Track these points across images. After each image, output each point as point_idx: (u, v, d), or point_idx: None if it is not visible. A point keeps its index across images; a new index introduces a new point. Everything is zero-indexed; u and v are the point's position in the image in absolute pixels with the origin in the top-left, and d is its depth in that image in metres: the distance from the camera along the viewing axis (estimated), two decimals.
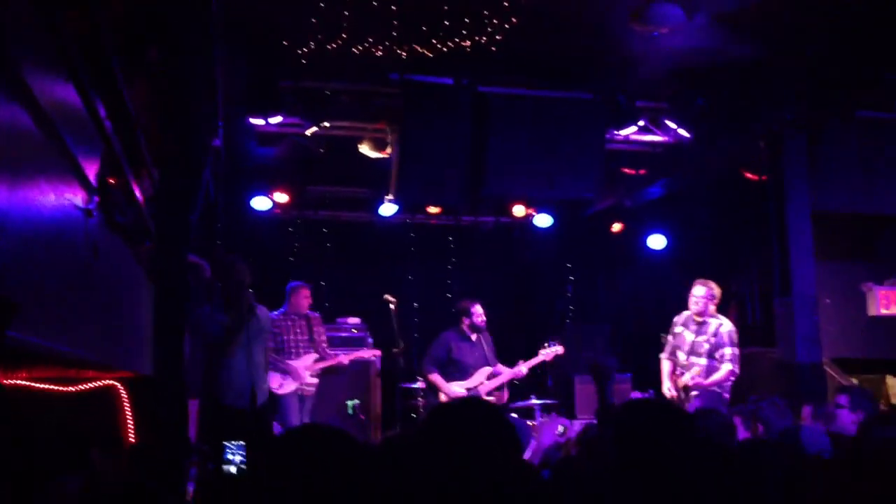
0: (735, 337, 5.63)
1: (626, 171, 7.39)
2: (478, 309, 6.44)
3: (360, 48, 5.46)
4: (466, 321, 6.43)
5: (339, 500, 1.60)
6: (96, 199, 2.28)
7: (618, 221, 8.57)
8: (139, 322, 3.26)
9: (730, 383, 5.65)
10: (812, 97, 5.96)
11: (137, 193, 2.97)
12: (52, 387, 3.00)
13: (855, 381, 6.25)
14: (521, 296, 9.00)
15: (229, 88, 5.08)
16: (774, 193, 6.16)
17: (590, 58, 5.82)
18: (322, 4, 4.90)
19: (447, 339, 6.38)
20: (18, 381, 2.82)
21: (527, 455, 3.25)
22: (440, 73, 5.91)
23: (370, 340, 7.20)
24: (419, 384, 6.75)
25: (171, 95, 3.13)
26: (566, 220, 8.57)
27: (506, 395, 6.57)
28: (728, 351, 5.56)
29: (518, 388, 7.60)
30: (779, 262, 6.06)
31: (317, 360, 6.27)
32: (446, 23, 5.18)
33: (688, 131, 6.59)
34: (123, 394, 3.24)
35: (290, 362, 6.13)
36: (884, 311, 6.54)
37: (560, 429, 3.83)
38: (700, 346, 5.64)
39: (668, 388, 5.79)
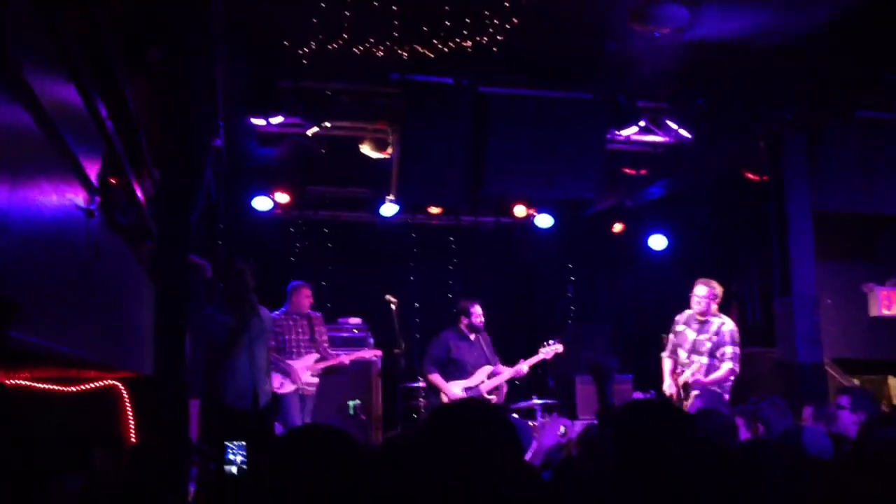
0: (737, 336, 5.63)
1: (627, 171, 7.39)
2: (477, 309, 6.45)
3: (361, 48, 5.46)
4: (465, 321, 6.44)
5: (341, 501, 1.60)
6: (97, 199, 2.29)
7: (619, 222, 8.57)
8: (140, 322, 3.26)
9: (730, 383, 5.64)
10: (812, 97, 5.96)
11: (139, 193, 2.97)
12: (53, 387, 3.00)
13: (856, 381, 6.25)
14: (522, 296, 9.00)
15: (230, 88, 5.08)
16: (775, 193, 6.16)
17: (590, 58, 5.82)
18: (323, 5, 4.90)
19: (446, 339, 6.39)
20: (20, 382, 2.82)
21: (528, 456, 3.25)
22: (441, 74, 5.91)
23: (371, 341, 7.20)
24: (420, 384, 6.76)
25: (172, 95, 3.13)
26: (567, 220, 8.57)
27: (504, 392, 6.57)
28: (729, 350, 5.56)
29: (519, 389, 7.60)
30: (779, 262, 6.06)
31: (318, 360, 6.27)
32: (447, 23, 5.18)
33: (688, 131, 6.59)
34: (124, 394, 3.24)
35: (290, 362, 6.13)
36: (885, 312, 6.53)
37: (561, 429, 3.83)
38: (702, 344, 5.64)
39: (668, 386, 5.79)
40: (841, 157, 6.24)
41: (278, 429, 5.57)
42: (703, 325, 5.68)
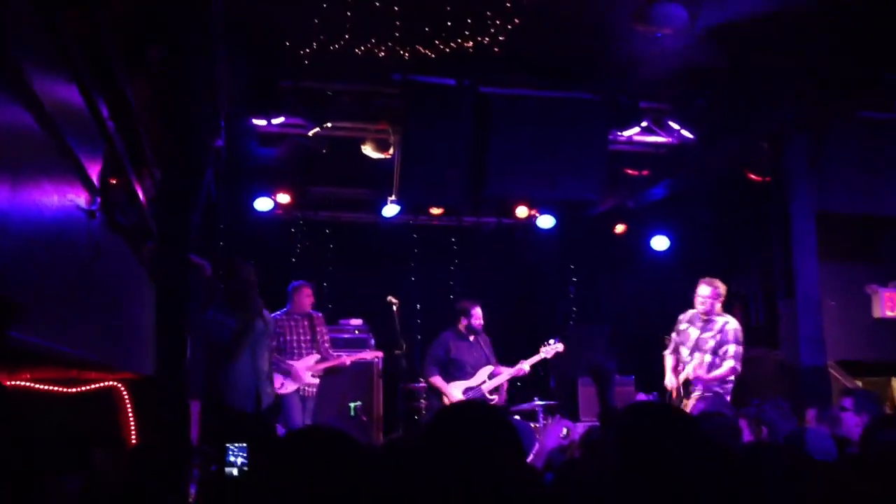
0: (740, 335, 5.62)
1: (629, 172, 7.38)
2: (478, 311, 6.46)
3: (363, 49, 5.46)
4: (464, 321, 6.44)
5: (342, 502, 1.59)
6: (98, 199, 2.28)
7: (621, 222, 8.56)
8: (141, 323, 3.26)
9: (731, 384, 5.63)
10: (814, 97, 5.95)
11: (139, 194, 2.96)
12: (54, 387, 3.00)
13: (859, 383, 6.24)
14: (524, 297, 8.99)
15: (231, 89, 5.08)
16: (777, 194, 6.14)
17: (592, 58, 5.81)
18: (324, 5, 4.89)
19: (445, 340, 6.40)
20: (21, 382, 2.81)
21: (530, 458, 3.24)
22: (442, 74, 5.90)
23: (372, 342, 7.19)
24: (421, 385, 6.75)
25: (172, 95, 3.13)
26: (569, 221, 8.56)
27: (504, 392, 6.57)
28: (732, 348, 5.55)
29: (521, 390, 7.60)
30: (782, 264, 6.04)
31: (319, 361, 6.26)
32: (449, 23, 5.17)
33: (691, 132, 6.58)
34: (125, 395, 3.23)
35: (291, 363, 6.12)
36: (889, 314, 6.52)
37: (564, 431, 3.82)
38: (705, 342, 5.63)
39: (669, 381, 5.78)
40: (843, 157, 6.22)
41: (279, 430, 5.56)
42: (707, 323, 5.67)
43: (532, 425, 6.28)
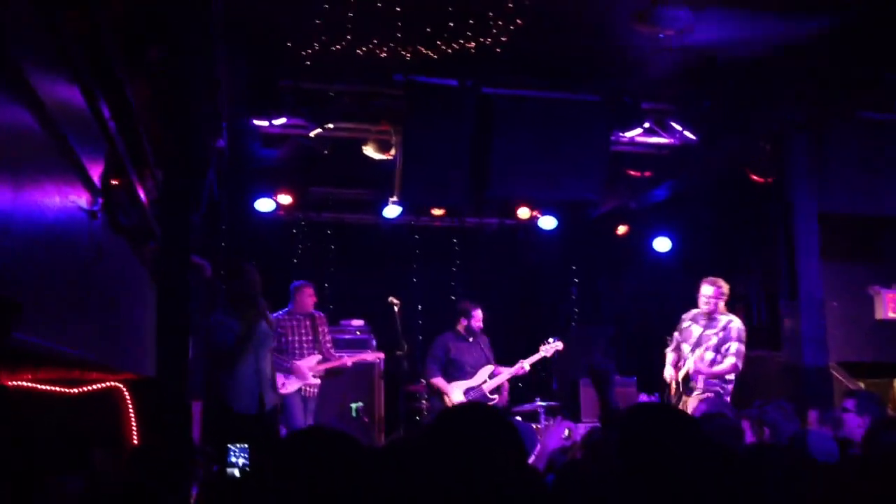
0: (743, 335, 5.61)
1: (632, 173, 7.37)
2: (478, 313, 6.47)
3: (365, 49, 5.46)
4: (464, 322, 6.45)
5: (343, 503, 1.59)
6: (100, 200, 2.28)
7: (623, 223, 8.55)
8: (143, 324, 3.26)
9: (731, 384, 5.62)
10: (816, 98, 5.94)
11: (141, 194, 2.96)
12: (56, 388, 3.00)
13: (861, 384, 6.22)
14: (526, 298, 8.99)
15: (233, 90, 5.08)
16: (780, 195, 6.14)
17: (594, 59, 5.81)
18: (326, 5, 4.90)
19: (445, 340, 6.42)
20: (22, 383, 2.82)
21: (531, 459, 3.24)
22: (444, 75, 5.90)
23: (374, 343, 7.19)
24: (423, 386, 6.74)
25: (172, 95, 3.13)
26: (571, 222, 8.56)
27: (506, 394, 6.57)
28: (734, 346, 5.55)
29: (523, 391, 7.60)
30: (785, 264, 6.03)
31: (320, 361, 6.25)
32: (451, 24, 5.17)
33: (693, 133, 6.57)
34: (127, 395, 3.23)
35: (295, 361, 6.12)
36: (891, 315, 6.51)
37: (565, 432, 3.81)
38: (708, 338, 5.63)
39: (668, 375, 5.77)
40: (845, 158, 6.21)
41: (281, 431, 5.55)
42: (710, 321, 5.67)
43: (534, 426, 6.28)
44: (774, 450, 2.87)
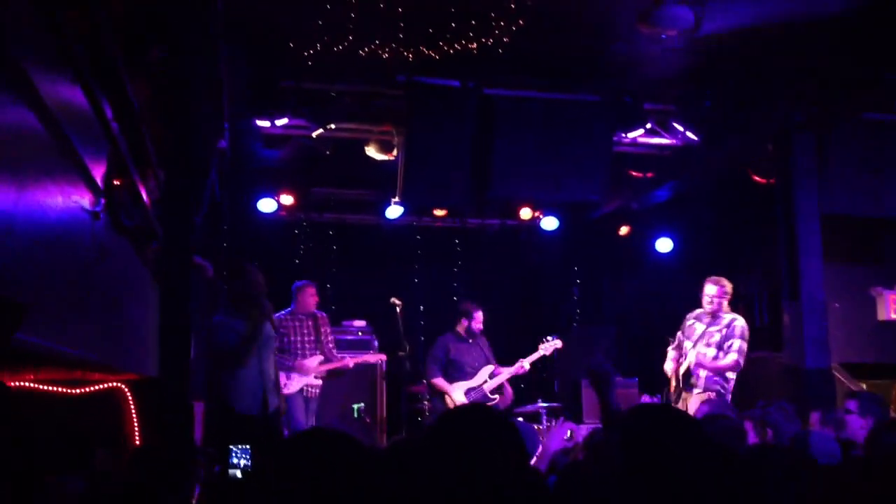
0: (746, 333, 5.61)
1: (634, 173, 7.37)
2: (479, 314, 6.48)
3: (367, 50, 5.46)
4: (465, 323, 6.46)
5: None
6: (103, 201, 2.28)
7: (625, 224, 8.55)
8: (146, 324, 3.26)
9: (732, 383, 5.62)
10: (819, 99, 5.93)
11: (143, 195, 2.96)
12: (58, 388, 3.00)
13: (864, 386, 6.21)
14: (528, 298, 8.99)
15: (235, 90, 5.08)
16: (782, 195, 6.13)
17: (597, 60, 5.81)
18: (328, 6, 4.90)
19: (445, 341, 6.43)
20: (25, 383, 2.82)
21: (533, 460, 3.23)
22: (446, 76, 5.90)
23: (376, 343, 7.19)
24: (424, 387, 6.74)
25: (173, 96, 3.13)
26: (573, 222, 8.56)
27: (510, 394, 6.57)
28: (737, 343, 5.55)
29: (524, 392, 7.60)
30: (787, 265, 6.03)
31: (322, 362, 6.25)
32: (453, 25, 5.17)
33: (695, 133, 6.57)
34: (129, 396, 3.23)
35: (298, 360, 6.12)
36: (893, 316, 6.50)
37: (567, 433, 3.81)
38: (711, 335, 5.63)
39: (669, 369, 5.77)
40: (848, 159, 6.20)
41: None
42: (714, 319, 5.67)
43: (535, 427, 6.28)
44: (776, 451, 2.87)
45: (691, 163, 6.93)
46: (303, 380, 6.14)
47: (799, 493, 2.54)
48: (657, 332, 7.04)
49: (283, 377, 5.95)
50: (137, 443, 3.20)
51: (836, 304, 6.48)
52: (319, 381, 6.24)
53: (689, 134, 6.62)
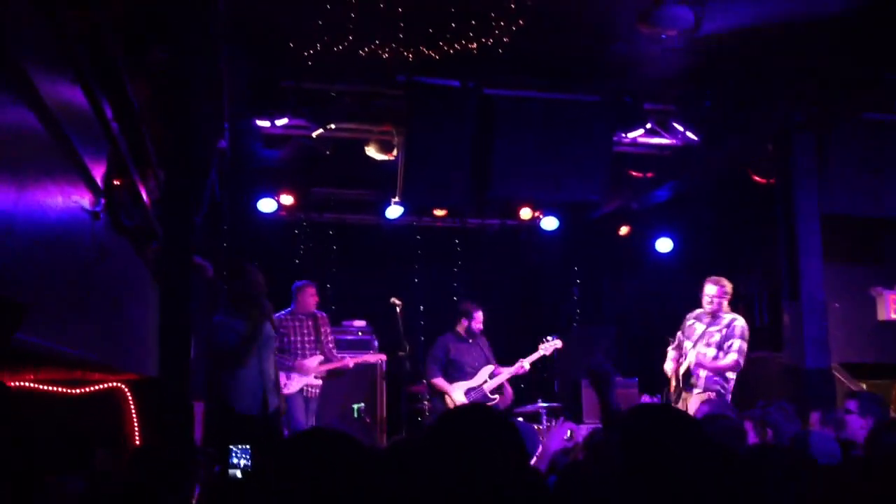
0: (747, 333, 5.61)
1: (634, 173, 7.37)
2: (479, 314, 6.48)
3: (367, 50, 5.46)
4: (465, 323, 6.46)
5: None
6: (103, 201, 2.28)
7: (625, 224, 8.55)
8: (146, 324, 3.26)
9: (732, 383, 5.61)
10: (820, 99, 5.93)
11: (144, 195, 2.96)
12: (58, 388, 3.00)
13: (864, 386, 6.21)
14: (528, 298, 8.99)
15: (235, 90, 5.08)
16: (782, 195, 6.13)
17: (597, 60, 5.81)
18: (328, 6, 4.90)
19: (445, 341, 6.43)
20: (25, 383, 2.82)
21: (533, 460, 3.23)
22: (446, 76, 5.90)
23: (376, 344, 7.19)
24: (424, 387, 6.74)
25: (173, 96, 3.13)
26: (573, 223, 8.55)
27: (510, 395, 6.57)
28: (737, 343, 5.55)
29: (525, 392, 7.60)
30: (787, 265, 6.03)
31: (322, 362, 6.24)
32: (453, 25, 5.17)
33: (695, 133, 6.57)
34: (129, 396, 3.23)
35: (298, 360, 6.11)
36: (893, 316, 6.50)
37: (568, 433, 3.81)
38: (711, 335, 5.63)
39: (669, 369, 5.77)
40: (849, 159, 6.20)
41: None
42: (714, 319, 5.67)
43: (535, 427, 6.28)
44: (776, 451, 2.87)
45: (691, 163, 6.93)
46: (303, 380, 6.13)
47: (799, 494, 2.54)
48: (657, 333, 7.04)
49: (283, 377, 5.94)
50: (137, 443, 3.20)
51: (837, 304, 6.48)
52: (319, 382, 6.24)
53: (689, 134, 6.62)
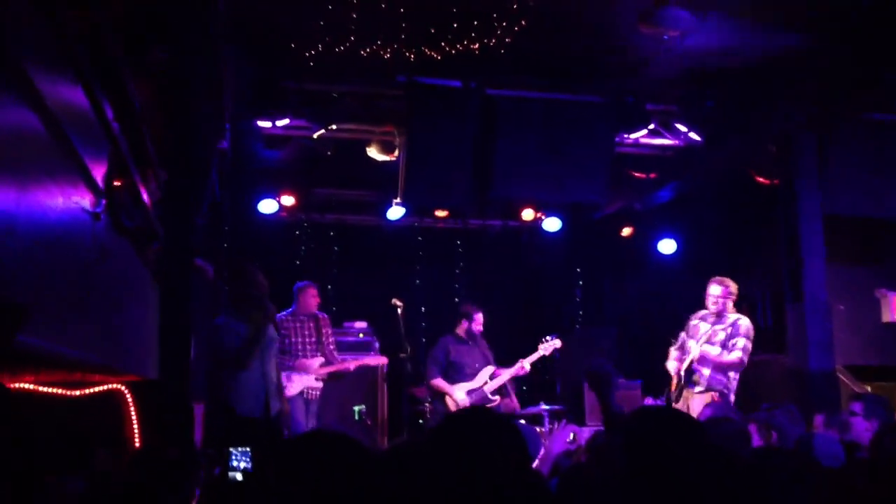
0: (751, 333, 5.59)
1: (636, 174, 7.35)
2: (479, 316, 6.48)
3: (368, 50, 5.45)
4: (465, 324, 6.46)
5: None
6: (104, 202, 2.27)
7: (627, 225, 8.53)
8: (146, 325, 3.25)
9: (735, 383, 5.60)
10: (822, 99, 5.92)
11: (144, 196, 2.96)
12: (58, 390, 2.99)
13: (868, 388, 6.19)
14: (530, 300, 8.97)
15: (236, 90, 5.08)
16: (785, 196, 6.11)
17: (599, 60, 5.80)
18: (329, 6, 4.89)
19: (445, 343, 6.43)
20: (25, 385, 2.81)
21: (536, 462, 3.22)
22: (448, 76, 5.89)
23: (377, 345, 7.17)
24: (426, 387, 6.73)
25: (173, 96, 3.13)
26: (575, 223, 8.54)
27: (515, 404, 6.57)
28: (741, 341, 5.53)
29: (527, 395, 7.58)
30: (790, 266, 6.01)
31: (323, 364, 6.23)
32: (454, 25, 5.16)
33: (698, 134, 6.55)
34: (129, 397, 3.22)
35: (300, 359, 6.10)
36: None
37: (570, 436, 3.79)
38: (715, 333, 5.62)
39: (672, 368, 5.75)
40: (851, 159, 6.18)
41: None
42: (719, 319, 5.66)
43: (538, 429, 6.26)
44: (779, 453, 2.85)
45: (694, 164, 6.92)
46: (303, 382, 6.12)
47: (802, 496, 2.53)
48: (659, 334, 7.02)
49: (283, 378, 5.93)
50: (138, 445, 3.19)
51: (841, 306, 6.46)
52: (320, 384, 6.23)
53: (691, 134, 6.60)
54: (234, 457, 3.31)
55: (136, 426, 3.20)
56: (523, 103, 6.12)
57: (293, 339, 6.16)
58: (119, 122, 2.45)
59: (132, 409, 3.22)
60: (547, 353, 6.61)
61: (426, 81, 5.89)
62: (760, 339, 6.11)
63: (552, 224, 8.40)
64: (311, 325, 6.26)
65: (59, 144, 1.83)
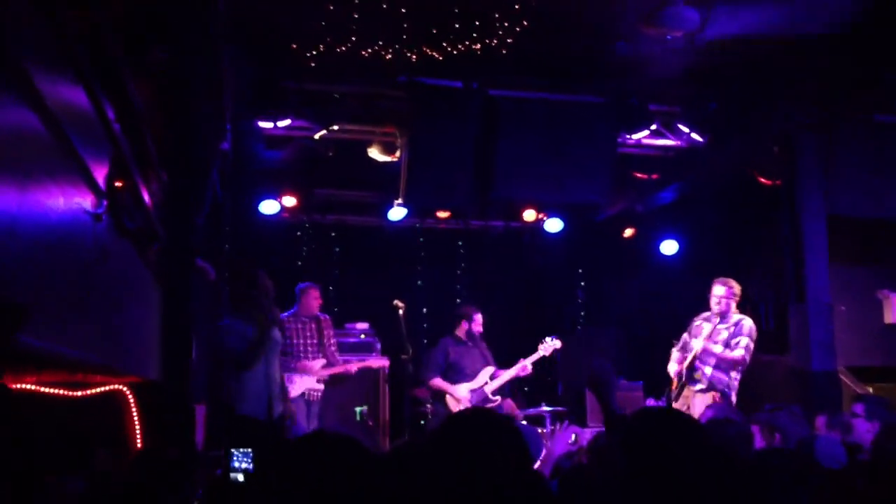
0: (754, 333, 5.60)
1: (638, 175, 7.35)
2: (479, 317, 6.48)
3: (370, 51, 5.45)
4: (465, 325, 6.46)
5: None
6: (105, 203, 2.27)
7: (629, 226, 8.52)
8: (148, 326, 3.25)
9: (737, 382, 5.59)
10: (825, 100, 5.92)
11: (146, 196, 2.95)
12: (59, 391, 3.00)
13: (870, 389, 6.18)
14: (531, 301, 8.97)
15: (237, 91, 5.08)
16: (788, 197, 6.11)
17: (601, 61, 5.79)
18: (331, 7, 4.89)
19: (444, 344, 6.44)
20: (26, 386, 2.81)
21: (537, 464, 3.22)
22: (450, 76, 5.89)
23: (378, 347, 7.17)
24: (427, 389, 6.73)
25: (174, 96, 3.13)
26: (577, 224, 8.53)
27: (515, 408, 6.57)
28: (744, 340, 5.53)
29: (528, 396, 7.58)
30: (793, 268, 6.01)
31: (324, 366, 6.22)
32: (456, 25, 5.16)
33: (700, 135, 6.55)
34: (130, 398, 3.23)
35: (302, 361, 6.10)
36: None
37: (572, 437, 3.79)
38: (719, 332, 5.63)
39: (673, 371, 5.75)
40: (854, 160, 6.18)
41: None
42: (722, 319, 5.66)
43: (539, 431, 6.26)
44: (781, 454, 2.85)
45: (696, 164, 6.91)
46: (305, 383, 6.12)
47: (804, 497, 2.52)
48: (661, 335, 7.02)
49: (285, 380, 5.93)
50: (139, 445, 3.19)
51: (843, 307, 6.45)
52: (321, 386, 6.22)
53: (693, 135, 6.60)
54: (235, 458, 3.31)
55: (137, 427, 3.20)
56: (525, 104, 6.12)
57: (295, 341, 6.16)
58: (120, 122, 2.45)
59: (133, 409, 3.22)
60: (547, 354, 6.61)
61: (428, 82, 5.89)
62: (763, 340, 6.11)
63: (554, 225, 8.39)
64: (313, 326, 6.26)
65: (59, 145, 1.83)
